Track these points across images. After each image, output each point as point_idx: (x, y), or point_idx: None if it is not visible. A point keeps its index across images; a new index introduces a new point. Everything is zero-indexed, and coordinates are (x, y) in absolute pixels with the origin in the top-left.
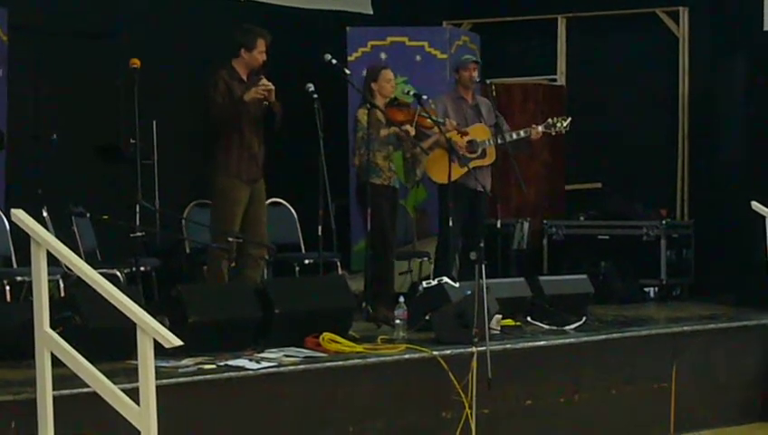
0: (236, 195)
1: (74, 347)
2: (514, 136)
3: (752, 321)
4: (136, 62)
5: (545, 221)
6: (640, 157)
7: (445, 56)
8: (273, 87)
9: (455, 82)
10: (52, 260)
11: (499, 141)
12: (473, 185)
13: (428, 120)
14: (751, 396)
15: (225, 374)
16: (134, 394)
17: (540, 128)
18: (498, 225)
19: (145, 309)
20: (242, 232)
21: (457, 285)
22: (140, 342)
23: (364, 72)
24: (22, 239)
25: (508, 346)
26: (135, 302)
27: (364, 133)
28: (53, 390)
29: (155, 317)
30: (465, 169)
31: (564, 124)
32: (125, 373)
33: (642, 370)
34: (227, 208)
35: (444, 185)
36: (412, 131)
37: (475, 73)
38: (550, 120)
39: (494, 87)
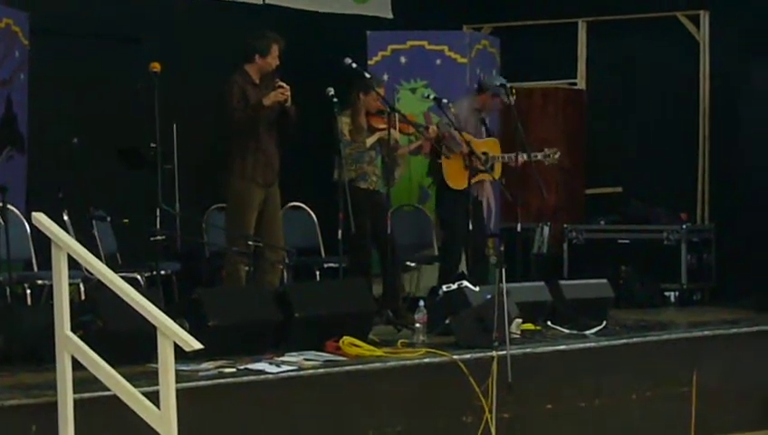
0: (251, 198)
1: (95, 350)
2: (505, 158)
3: None
4: (156, 66)
5: (566, 225)
6: (661, 161)
7: (465, 60)
8: (289, 88)
9: (475, 92)
10: (73, 263)
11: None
12: (475, 193)
13: (410, 127)
14: None
15: (246, 378)
16: (154, 398)
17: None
18: (518, 229)
19: (165, 312)
20: (257, 236)
21: (477, 289)
22: (161, 345)
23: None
24: (43, 242)
25: (528, 350)
26: (155, 305)
27: (357, 146)
28: (74, 393)
29: (175, 321)
30: (477, 178)
31: (555, 157)
32: (145, 377)
33: (663, 374)
34: (242, 212)
35: (450, 190)
36: (397, 135)
37: (497, 102)
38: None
39: (514, 91)
